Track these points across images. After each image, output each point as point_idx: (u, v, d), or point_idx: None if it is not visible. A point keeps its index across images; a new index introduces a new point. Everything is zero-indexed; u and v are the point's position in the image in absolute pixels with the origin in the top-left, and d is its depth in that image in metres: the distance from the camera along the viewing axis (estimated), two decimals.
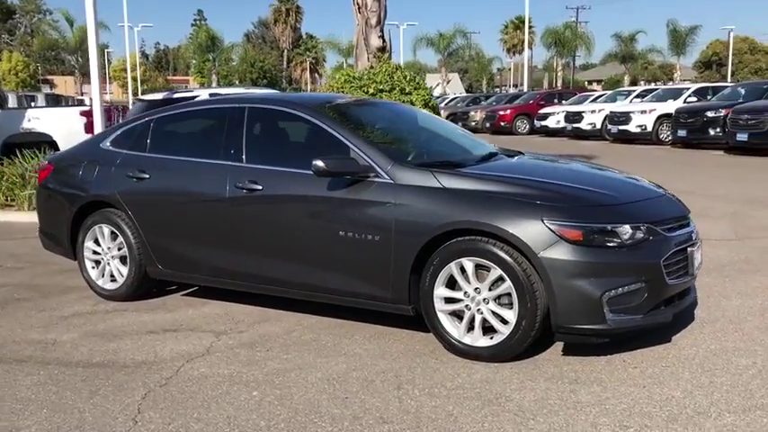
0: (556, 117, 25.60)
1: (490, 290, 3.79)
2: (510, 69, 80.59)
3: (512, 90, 66.73)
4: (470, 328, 3.89)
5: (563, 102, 27.99)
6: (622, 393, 3.40)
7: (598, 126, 23.05)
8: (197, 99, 5.84)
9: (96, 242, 5.29)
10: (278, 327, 4.56)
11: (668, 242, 3.80)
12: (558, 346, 4.04)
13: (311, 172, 4.22)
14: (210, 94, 11.17)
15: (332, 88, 9.29)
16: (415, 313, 4.10)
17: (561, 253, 3.58)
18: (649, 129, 20.67)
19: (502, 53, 76.47)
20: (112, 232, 5.18)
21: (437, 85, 79.81)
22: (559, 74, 62.70)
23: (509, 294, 3.74)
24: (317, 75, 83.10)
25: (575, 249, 3.58)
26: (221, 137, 4.77)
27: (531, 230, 3.63)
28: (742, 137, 15.80)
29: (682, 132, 18.60)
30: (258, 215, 4.47)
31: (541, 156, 5.17)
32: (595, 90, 37.24)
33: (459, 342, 3.89)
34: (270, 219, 4.43)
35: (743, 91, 19.43)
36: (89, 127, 13.80)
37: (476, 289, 3.82)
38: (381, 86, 8.72)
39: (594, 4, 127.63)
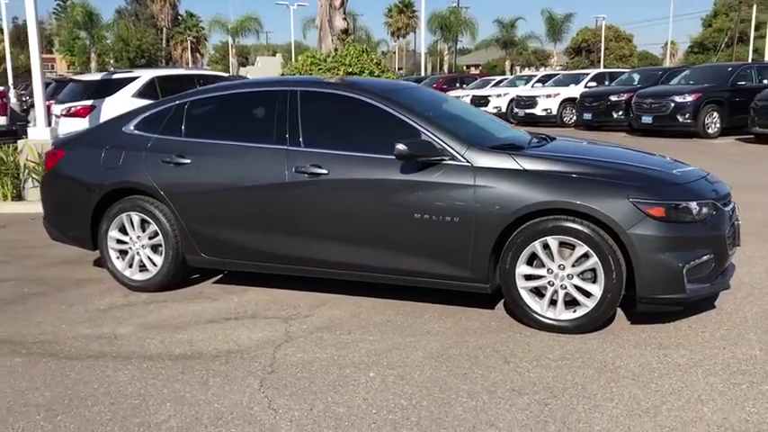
0: (462, 101, 26.30)
1: (574, 266, 4.01)
2: (395, 53, 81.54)
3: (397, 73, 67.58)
4: (551, 302, 4.11)
5: (464, 86, 28.80)
6: (710, 355, 3.74)
7: (504, 109, 23.95)
8: (225, 82, 5.61)
9: (122, 231, 5.05)
10: (340, 310, 4.58)
11: (725, 216, 4.18)
12: (621, 316, 4.34)
13: (381, 155, 4.31)
14: (158, 76, 10.74)
15: (296, 70, 9.17)
16: (492, 291, 4.26)
17: (648, 229, 3.86)
18: (554, 112, 21.80)
19: (387, 36, 77.46)
20: (143, 220, 4.96)
21: None
22: (446, 58, 64.13)
23: (593, 270, 3.98)
24: (198, 54, 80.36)
25: (659, 225, 3.87)
26: (272, 121, 4.69)
27: (620, 209, 3.88)
28: (647, 119, 16.99)
29: (587, 115, 19.74)
30: (323, 199, 4.45)
31: (576, 139, 5.43)
32: (485, 75, 38.46)
33: (543, 316, 4.10)
34: (337, 202, 4.42)
35: (637, 77, 20.87)
36: (2, 109, 12.88)
37: (560, 266, 4.04)
38: (351, 69, 8.73)
39: None
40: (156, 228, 4.91)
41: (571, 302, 4.09)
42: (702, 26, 72.42)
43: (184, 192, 4.80)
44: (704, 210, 4.02)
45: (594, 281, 4.00)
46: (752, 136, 15.40)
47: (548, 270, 4.07)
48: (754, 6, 50.46)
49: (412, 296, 4.71)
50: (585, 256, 3.97)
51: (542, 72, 32.68)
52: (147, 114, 5.12)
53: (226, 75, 13.71)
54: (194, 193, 4.78)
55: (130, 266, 5.08)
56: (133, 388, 3.46)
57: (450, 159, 4.21)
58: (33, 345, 4.08)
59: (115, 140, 5.09)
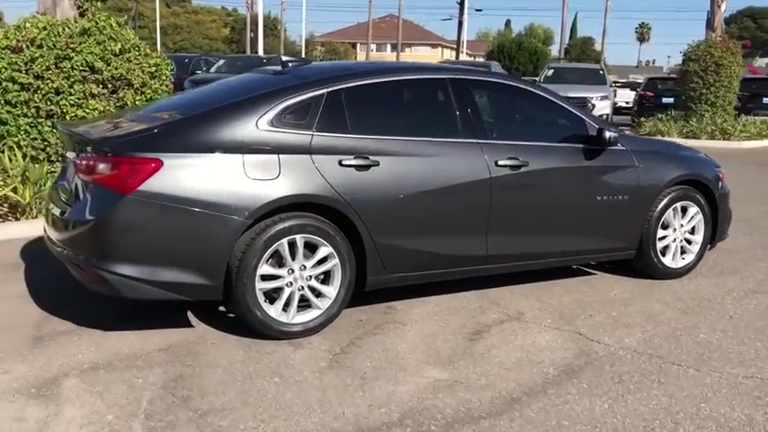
0: None
1: (689, 223, 5.15)
2: None
3: None
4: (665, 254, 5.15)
5: None
6: None
7: None
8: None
9: (273, 263, 3.72)
10: (529, 301, 4.55)
11: None
12: None
13: (565, 144, 4.62)
14: None
15: (25, 44, 6.65)
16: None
17: (722, 190, 5.30)
18: None
19: None
20: (308, 243, 3.78)
21: None
22: None
23: (694, 226, 5.20)
24: None
25: (723, 186, 5.36)
26: (452, 112, 4.25)
27: (715, 177, 5.23)
28: None
29: None
30: (525, 192, 4.37)
31: None
32: None
33: (673, 268, 5.10)
34: (537, 194, 4.42)
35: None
36: None
37: (681, 225, 5.11)
38: (119, 45, 7.00)
39: None
40: (331, 250, 3.82)
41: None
42: None
43: (377, 200, 3.89)
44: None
45: (693, 233, 5.22)
46: None
47: (673, 230, 5.09)
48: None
49: (535, 278, 4.96)
50: (693, 216, 5.15)
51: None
52: (284, 105, 3.79)
53: None
54: (388, 200, 3.92)
55: (287, 309, 3.78)
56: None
57: (613, 145, 4.74)
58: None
59: (254, 141, 3.65)
